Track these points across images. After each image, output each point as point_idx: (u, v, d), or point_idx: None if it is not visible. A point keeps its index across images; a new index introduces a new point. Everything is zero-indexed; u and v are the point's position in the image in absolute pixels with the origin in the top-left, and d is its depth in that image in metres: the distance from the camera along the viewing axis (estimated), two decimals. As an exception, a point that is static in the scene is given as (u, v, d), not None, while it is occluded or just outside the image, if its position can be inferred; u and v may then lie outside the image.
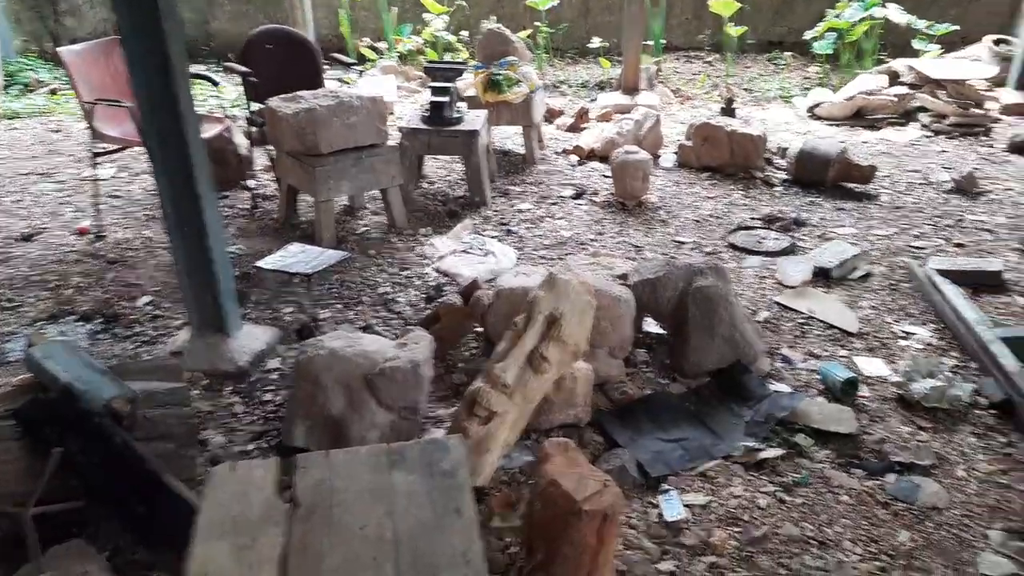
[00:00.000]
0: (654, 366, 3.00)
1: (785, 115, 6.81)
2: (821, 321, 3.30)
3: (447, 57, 7.42)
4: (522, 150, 5.48)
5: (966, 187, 4.82)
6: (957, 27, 7.35)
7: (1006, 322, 3.24)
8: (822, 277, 3.67)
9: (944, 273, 3.54)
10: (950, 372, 2.84)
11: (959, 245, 4.04)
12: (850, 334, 3.20)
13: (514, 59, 5.29)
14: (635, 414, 2.65)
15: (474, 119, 4.59)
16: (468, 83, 5.54)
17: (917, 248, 4.00)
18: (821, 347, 3.12)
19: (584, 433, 2.56)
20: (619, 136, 5.43)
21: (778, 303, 3.46)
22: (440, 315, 3.03)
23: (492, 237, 4.11)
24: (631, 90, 6.95)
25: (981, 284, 3.54)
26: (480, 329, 3.04)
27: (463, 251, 3.85)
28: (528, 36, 7.44)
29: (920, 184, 5.01)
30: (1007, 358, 2.71)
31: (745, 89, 7.43)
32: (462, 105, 4.78)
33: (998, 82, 6.95)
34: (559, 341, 2.30)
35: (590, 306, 2.41)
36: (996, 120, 6.27)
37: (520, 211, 4.56)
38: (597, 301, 2.58)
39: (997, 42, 7.38)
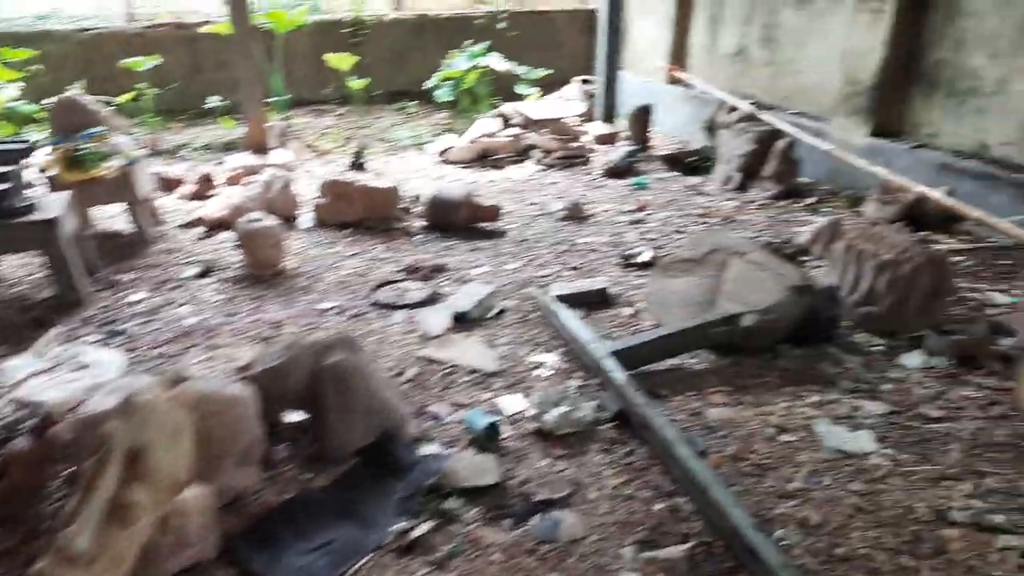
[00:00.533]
0: (298, 459, 2.71)
1: (421, 162, 7.05)
2: (464, 367, 3.33)
3: (27, 132, 6.26)
4: (133, 229, 4.78)
5: (575, 214, 5.42)
6: (551, 71, 8.42)
7: (616, 333, 3.62)
8: (462, 321, 3.74)
9: (563, 298, 3.86)
10: (576, 393, 3.05)
11: (575, 268, 4.47)
12: (491, 374, 3.28)
13: (101, 129, 4.59)
14: (274, 527, 2.33)
15: (52, 203, 3.83)
16: (49, 161, 4.67)
17: (542, 277, 4.33)
18: (467, 394, 3.13)
19: (212, 573, 2.16)
20: (248, 201, 5.05)
21: (423, 357, 3.42)
22: (6, 467, 2.36)
23: (92, 343, 3.44)
24: (261, 149, 6.59)
25: (594, 302, 3.93)
26: (71, 470, 2.44)
27: (49, 369, 3.13)
28: (131, 100, 6.64)
29: (540, 216, 5.51)
30: (616, 371, 2.98)
31: (380, 139, 7.56)
32: (37, 189, 3.97)
33: (588, 117, 8.10)
34: (147, 479, 1.89)
35: (185, 426, 2.04)
36: (592, 150, 7.26)
37: (132, 304, 3.93)
38: (207, 408, 2.22)
39: (584, 82, 8.62)
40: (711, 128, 6.78)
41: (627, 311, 3.85)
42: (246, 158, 6.48)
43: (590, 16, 8.83)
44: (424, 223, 5.18)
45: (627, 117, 7.23)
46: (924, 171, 5.17)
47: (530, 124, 7.16)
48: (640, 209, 5.60)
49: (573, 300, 3.89)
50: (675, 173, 6.57)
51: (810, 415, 2.89)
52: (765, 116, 6.14)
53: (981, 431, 2.76)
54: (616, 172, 6.52)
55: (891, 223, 4.88)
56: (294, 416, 2.87)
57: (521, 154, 7.06)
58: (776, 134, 5.95)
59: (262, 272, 4.28)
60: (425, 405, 3.04)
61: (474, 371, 3.30)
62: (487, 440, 2.74)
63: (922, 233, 4.84)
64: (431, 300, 4.00)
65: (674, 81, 7.97)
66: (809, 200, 5.66)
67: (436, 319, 3.73)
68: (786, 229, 5.10)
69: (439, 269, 4.43)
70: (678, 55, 8.04)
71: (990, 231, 4.56)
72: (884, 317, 3.46)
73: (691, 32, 7.89)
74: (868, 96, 5.56)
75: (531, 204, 5.79)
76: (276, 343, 2.98)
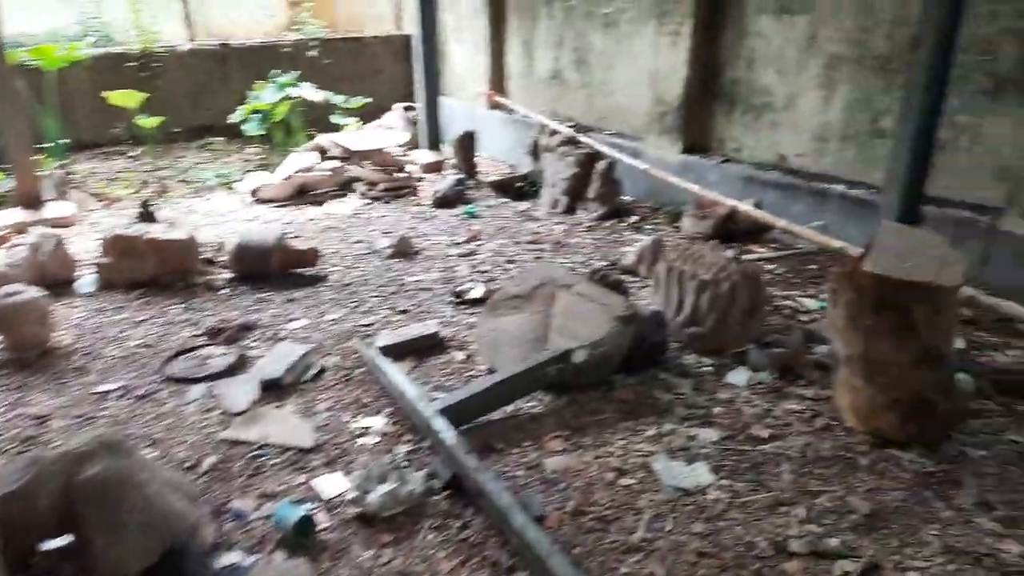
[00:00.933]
0: (61, 597, 2.19)
1: (230, 203, 6.44)
2: (276, 446, 2.92)
3: None
4: None
5: (404, 250, 5.12)
6: (370, 99, 8.09)
7: (449, 383, 3.36)
8: (274, 389, 3.32)
9: (389, 349, 3.55)
10: (405, 463, 2.74)
11: (404, 312, 4.17)
12: (308, 451, 2.89)
13: None
14: None
15: None
16: None
17: (367, 327, 3.98)
18: (278, 480, 2.72)
19: None
20: (10, 269, 4.27)
21: (226, 439, 2.96)
22: None
23: None
24: (33, 203, 5.70)
25: (425, 348, 3.65)
26: None
27: None
28: None
29: (366, 254, 5.15)
30: (446, 432, 2.72)
31: (183, 180, 6.84)
32: None
33: (413, 145, 7.85)
34: None
35: None
36: (419, 180, 7.01)
37: None
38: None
39: (406, 109, 8.37)
40: (535, 152, 6.77)
41: (460, 356, 3.60)
42: (18, 214, 5.58)
43: (406, 42, 8.63)
44: (230, 274, 4.65)
45: (452, 144, 7.07)
46: (732, 184, 5.41)
47: (351, 156, 6.79)
48: (472, 239, 5.41)
49: (401, 350, 3.59)
50: (504, 199, 6.47)
51: (648, 451, 2.78)
52: (584, 138, 6.20)
53: (808, 447, 2.78)
54: (445, 202, 6.31)
55: (708, 238, 5.04)
56: (54, 542, 2.33)
57: (343, 188, 6.66)
58: (597, 156, 6.02)
59: (25, 354, 3.59)
60: (226, 502, 2.59)
61: (288, 449, 2.90)
62: (299, 537, 2.36)
63: (736, 244, 5.04)
64: (237, 367, 3.53)
65: (495, 106, 7.94)
66: (633, 219, 5.75)
67: (242, 391, 3.27)
68: (614, 250, 5.11)
69: (248, 328, 3.96)
70: (497, 80, 8.02)
71: (795, 238, 4.82)
72: (708, 336, 3.47)
73: (507, 57, 7.90)
74: (676, 115, 5.76)
75: (356, 242, 5.43)
76: (15, 460, 2.41)
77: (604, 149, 6.05)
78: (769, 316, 3.78)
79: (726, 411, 3.03)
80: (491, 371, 3.38)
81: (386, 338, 3.68)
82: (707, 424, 2.94)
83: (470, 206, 6.18)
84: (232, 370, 3.50)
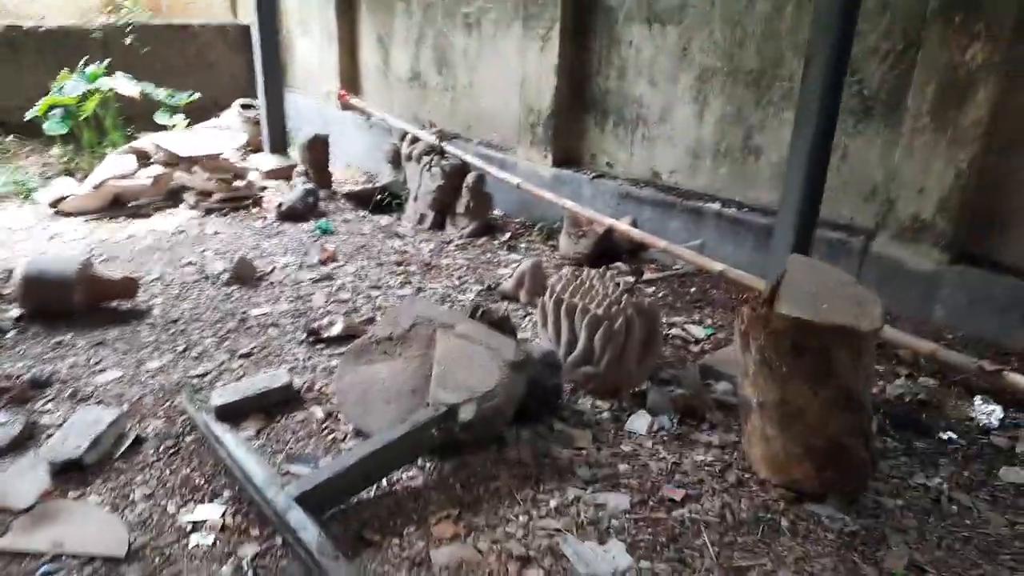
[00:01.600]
0: None
1: (24, 216, 5.34)
2: (75, 556, 2.20)
3: None
4: None
5: (245, 275, 4.39)
6: (199, 95, 7.12)
7: (308, 449, 2.77)
8: (73, 472, 2.57)
9: (228, 409, 2.89)
10: (249, 572, 2.15)
11: (247, 356, 3.49)
12: (120, 560, 2.20)
13: None
14: None
15: None
16: None
17: (199, 377, 3.27)
18: (74, 612, 2.02)
19: None
20: None
21: (1, 553, 2.21)
22: None
23: None
24: None
25: (275, 404, 3.02)
26: None
27: None
28: None
29: (198, 281, 4.37)
30: (307, 529, 2.15)
31: (-40, 188, 5.59)
32: None
33: (254, 148, 7.00)
34: None
35: None
36: (262, 189, 6.21)
37: None
38: None
39: (245, 107, 7.47)
40: (396, 160, 6.21)
41: (320, 412, 3.01)
42: None
43: (244, 31, 7.72)
44: (19, 312, 3.72)
45: (301, 148, 6.34)
46: (607, 201, 5.18)
47: (179, 161, 5.86)
48: (327, 261, 4.77)
49: (245, 408, 2.95)
50: (363, 213, 5.86)
51: (554, 528, 2.37)
52: (450, 147, 5.73)
53: (726, 508, 2.50)
54: (294, 215, 5.60)
55: (586, 259, 4.76)
56: None
57: (169, 199, 5.74)
58: (465, 167, 5.58)
59: None
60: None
61: (91, 560, 2.19)
62: None
63: (617, 264, 4.80)
64: (21, 442, 2.72)
65: (349, 107, 7.27)
66: (505, 236, 5.37)
67: (26, 478, 2.49)
68: (489, 272, 4.70)
69: (39, 385, 3.12)
70: (351, 78, 7.36)
71: (672, 258, 4.65)
72: (604, 376, 3.13)
73: (361, 52, 7.26)
74: (548, 125, 5.45)
75: (185, 265, 4.61)
76: None
77: (472, 160, 5.62)
78: (663, 346, 3.53)
79: (633, 469, 2.69)
80: (359, 433, 2.83)
81: (224, 393, 3.01)
82: (615, 487, 2.59)
83: (324, 221, 5.52)
84: (14, 447, 2.69)
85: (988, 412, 3.08)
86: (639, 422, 2.97)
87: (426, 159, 5.67)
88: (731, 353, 3.39)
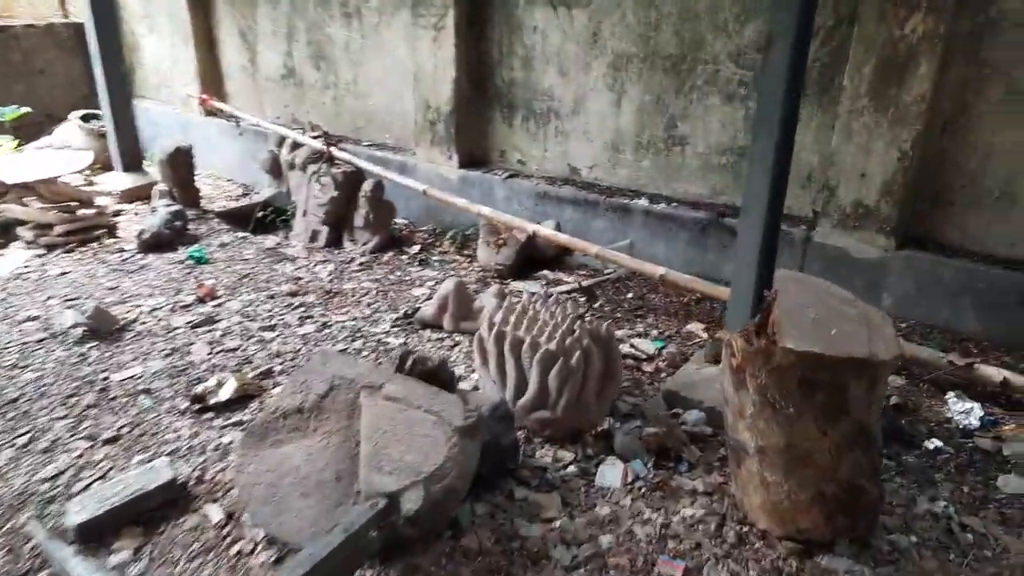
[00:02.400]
0: None
1: None
2: None
3: None
4: None
5: (102, 327, 3.60)
6: (28, 109, 6.02)
7: (206, 574, 2.14)
8: None
9: (91, 527, 2.21)
10: None
11: (112, 440, 2.77)
12: None
13: None
14: None
15: None
16: None
17: (50, 480, 2.53)
18: None
19: None
20: None
21: None
22: None
23: None
24: None
25: (155, 510, 2.35)
26: None
27: None
28: None
29: (42, 340, 3.53)
30: None
31: None
32: None
33: (103, 166, 6.01)
34: None
35: None
36: (118, 213, 5.30)
37: None
38: None
39: (86, 118, 6.40)
40: (275, 170, 5.47)
41: (217, 514, 2.37)
42: None
43: (78, 31, 6.61)
44: None
45: (160, 163, 5.45)
46: (524, 202, 4.72)
47: (7, 189, 4.85)
48: (206, 298, 4.02)
49: (115, 521, 2.26)
50: (243, 233, 5.09)
51: (540, 642, 1.90)
52: (339, 152, 5.07)
53: (735, 578, 2.11)
54: (159, 243, 4.76)
55: (509, 267, 4.28)
56: None
57: (3, 234, 4.74)
58: (360, 174, 4.94)
59: None
60: None
61: None
62: None
63: (544, 273, 4.36)
64: None
65: (212, 112, 6.39)
66: (414, 249, 4.80)
67: None
68: (401, 293, 4.12)
69: None
70: (212, 79, 6.46)
71: (603, 262, 4.25)
72: (562, 421, 2.68)
73: (222, 50, 6.38)
74: (449, 122, 4.90)
75: (26, 320, 3.74)
76: None
77: (366, 165, 4.99)
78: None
79: (618, 540, 2.25)
80: (272, 541, 2.22)
81: (86, 504, 2.30)
82: (602, 570, 2.14)
83: (196, 248, 4.72)
84: None
85: (966, 411, 2.88)
86: (611, 473, 2.54)
87: (313, 168, 4.98)
88: (693, 373, 3.03)
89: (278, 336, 3.63)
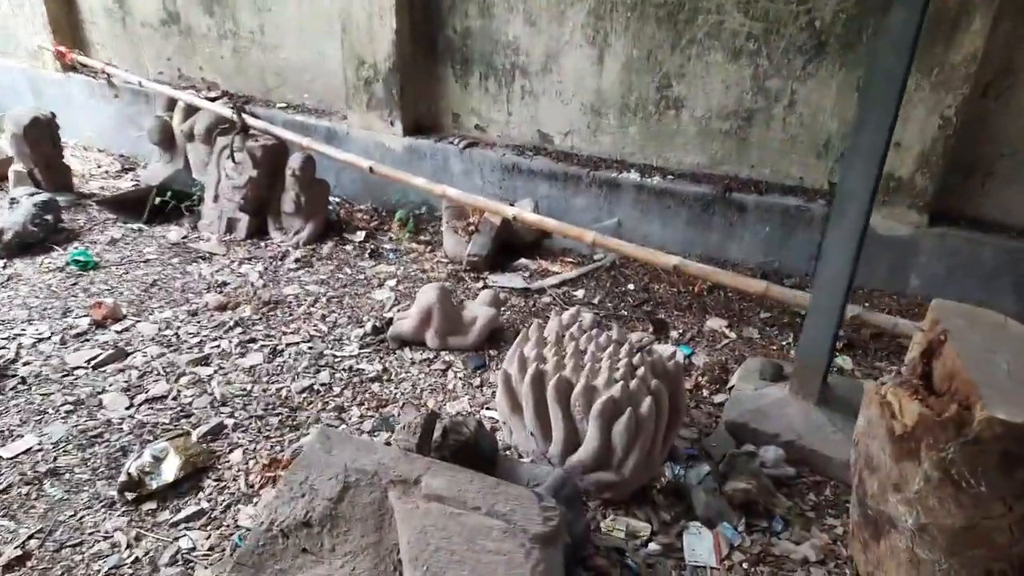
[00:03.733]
0: None
1: None
2: None
3: None
4: None
5: (-33, 379, 2.67)
6: None
7: None
8: None
9: None
10: None
11: (19, 562, 1.97)
12: None
13: None
14: None
15: None
16: None
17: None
18: None
19: None
20: None
21: None
22: None
23: None
24: None
25: None
26: None
27: None
28: None
29: None
30: None
31: None
32: None
33: (-67, 142, 4.70)
34: None
35: None
36: (-39, 205, 4.13)
37: None
38: None
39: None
40: (167, 140, 4.47)
41: None
42: None
43: None
44: None
45: (11, 139, 4.29)
46: (488, 176, 4.05)
47: None
48: (105, 321, 3.13)
49: None
50: (137, 225, 4.11)
51: None
52: (255, 121, 4.14)
53: None
54: (25, 245, 3.73)
55: (485, 258, 3.64)
56: None
57: None
58: (284, 147, 4.06)
59: None
60: None
61: None
62: None
63: (523, 262, 3.74)
64: None
65: (71, 67, 5.17)
66: (358, 236, 4.02)
67: None
68: (360, 299, 3.39)
69: None
70: (69, 26, 5.20)
71: (592, 247, 3.69)
72: (630, 482, 2.15)
73: (81, -11, 5.12)
74: (390, 82, 4.09)
75: None
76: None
77: (290, 136, 4.11)
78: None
79: (747, 650, 1.78)
80: None
81: None
82: None
83: (78, 250, 3.73)
84: None
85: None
86: (701, 547, 2.05)
87: (223, 141, 4.04)
88: (754, 397, 2.56)
89: (216, 371, 2.84)
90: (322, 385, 2.78)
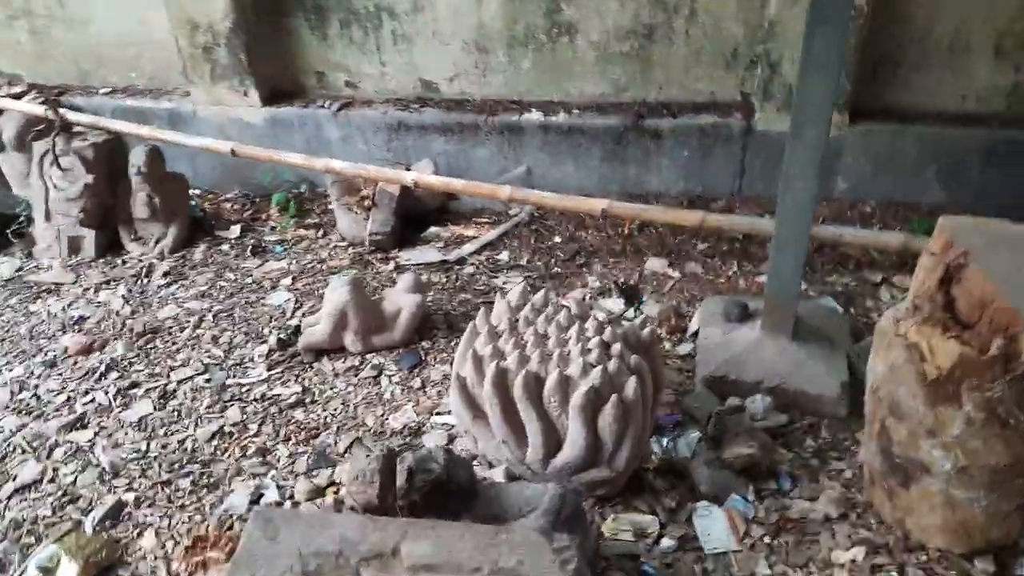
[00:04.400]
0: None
1: None
2: None
3: None
4: None
5: None
6: None
7: None
8: None
9: None
10: None
11: None
12: None
13: None
14: None
15: None
16: None
17: None
18: None
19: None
20: None
21: None
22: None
23: None
24: None
25: None
26: None
27: None
28: None
29: None
30: None
31: None
32: None
33: None
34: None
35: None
36: None
37: None
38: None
39: None
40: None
41: None
42: None
43: None
44: None
45: None
46: (371, 139, 3.57)
47: None
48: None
49: None
50: (-49, 264, 3.34)
51: None
52: (75, 116, 3.41)
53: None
54: None
55: (390, 234, 3.22)
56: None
57: None
58: (116, 141, 3.39)
59: None
60: None
61: None
62: None
63: (435, 231, 3.34)
64: None
65: None
66: (233, 232, 3.46)
67: None
68: (253, 308, 2.90)
69: None
70: None
71: (507, 204, 3.32)
72: (625, 474, 1.88)
73: None
74: (235, 44, 3.46)
75: None
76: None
77: (124, 127, 3.42)
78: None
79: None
80: None
81: None
82: None
83: None
84: None
85: None
86: (715, 528, 1.83)
87: (42, 146, 3.31)
88: (725, 344, 2.33)
89: (98, 434, 2.32)
90: (234, 425, 2.32)
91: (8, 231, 3.40)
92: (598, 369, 1.77)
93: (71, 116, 3.37)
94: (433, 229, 3.35)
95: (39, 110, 3.42)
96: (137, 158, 3.25)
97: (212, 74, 3.56)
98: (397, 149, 3.54)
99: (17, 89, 3.91)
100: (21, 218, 3.43)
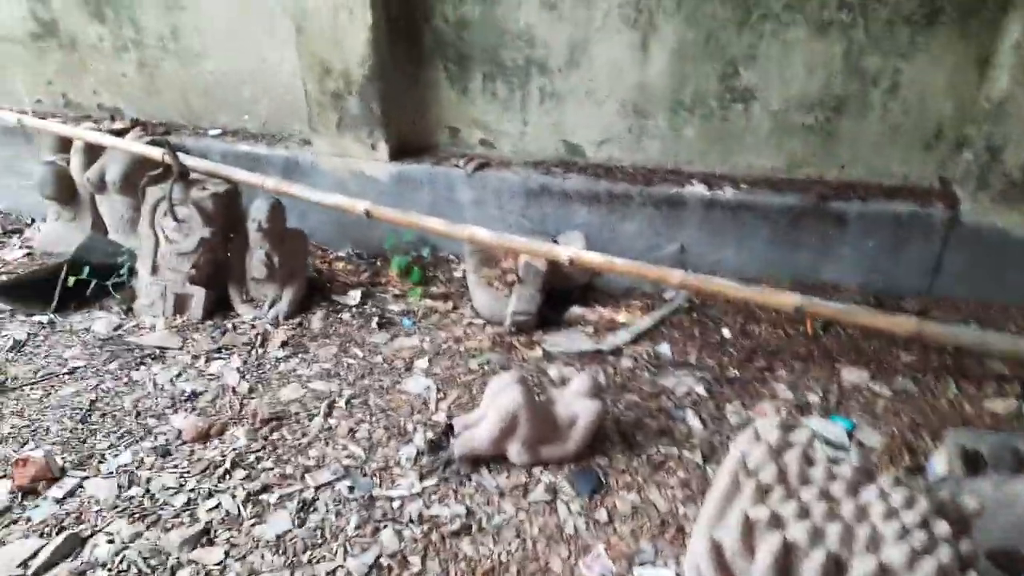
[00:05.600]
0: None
1: None
2: None
3: None
4: None
5: None
6: None
7: None
8: None
9: None
10: None
11: None
12: None
13: None
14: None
15: None
16: None
17: None
18: None
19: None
20: None
21: None
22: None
23: None
24: None
25: None
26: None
27: None
28: None
29: None
30: None
31: None
32: None
33: None
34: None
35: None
36: None
37: None
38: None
39: None
40: (65, 192, 3.39)
41: None
42: None
43: None
44: None
45: None
46: (506, 205, 3.23)
47: None
48: (35, 486, 2.13)
49: None
50: (45, 316, 3.02)
51: None
52: (195, 162, 3.11)
53: None
54: None
55: (535, 315, 2.85)
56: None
57: None
58: (236, 193, 3.08)
59: None
60: None
61: None
62: None
63: (580, 313, 2.97)
64: None
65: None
66: (353, 297, 3.11)
67: None
68: (390, 396, 2.52)
69: None
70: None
71: (659, 286, 2.95)
72: None
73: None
74: (369, 93, 3.16)
75: None
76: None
77: (239, 174, 3.11)
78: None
79: None
80: None
81: None
82: None
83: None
84: None
85: None
86: None
87: (157, 193, 3.01)
88: (998, 498, 1.91)
89: (229, 555, 1.94)
90: (391, 556, 1.93)
91: (109, 283, 3.08)
92: (931, 561, 1.37)
93: (189, 162, 3.07)
94: (576, 310, 2.98)
95: (150, 151, 3.13)
96: (259, 212, 2.93)
97: (339, 123, 3.26)
98: (534, 217, 3.20)
99: (119, 125, 3.65)
100: (122, 270, 3.12)
